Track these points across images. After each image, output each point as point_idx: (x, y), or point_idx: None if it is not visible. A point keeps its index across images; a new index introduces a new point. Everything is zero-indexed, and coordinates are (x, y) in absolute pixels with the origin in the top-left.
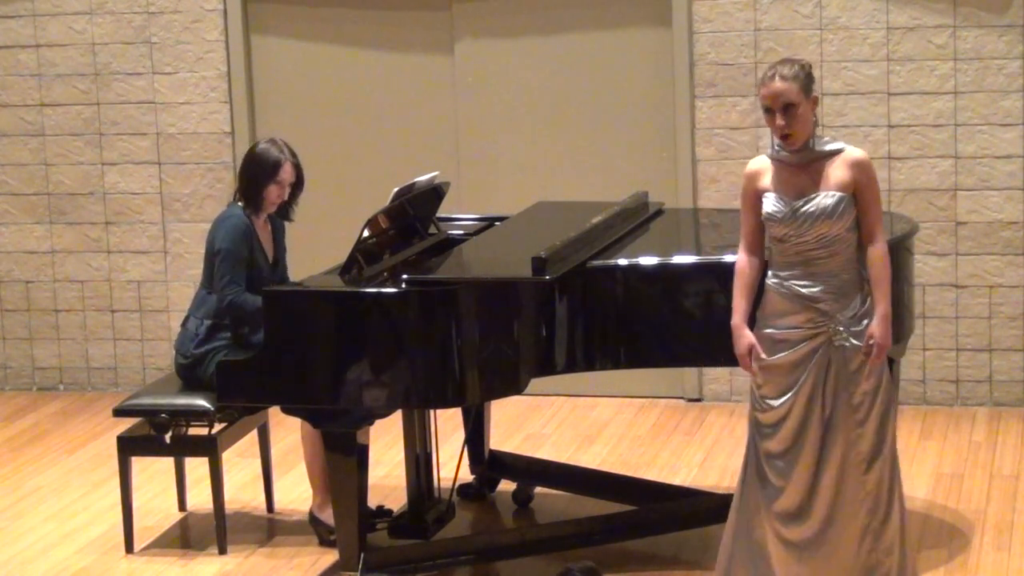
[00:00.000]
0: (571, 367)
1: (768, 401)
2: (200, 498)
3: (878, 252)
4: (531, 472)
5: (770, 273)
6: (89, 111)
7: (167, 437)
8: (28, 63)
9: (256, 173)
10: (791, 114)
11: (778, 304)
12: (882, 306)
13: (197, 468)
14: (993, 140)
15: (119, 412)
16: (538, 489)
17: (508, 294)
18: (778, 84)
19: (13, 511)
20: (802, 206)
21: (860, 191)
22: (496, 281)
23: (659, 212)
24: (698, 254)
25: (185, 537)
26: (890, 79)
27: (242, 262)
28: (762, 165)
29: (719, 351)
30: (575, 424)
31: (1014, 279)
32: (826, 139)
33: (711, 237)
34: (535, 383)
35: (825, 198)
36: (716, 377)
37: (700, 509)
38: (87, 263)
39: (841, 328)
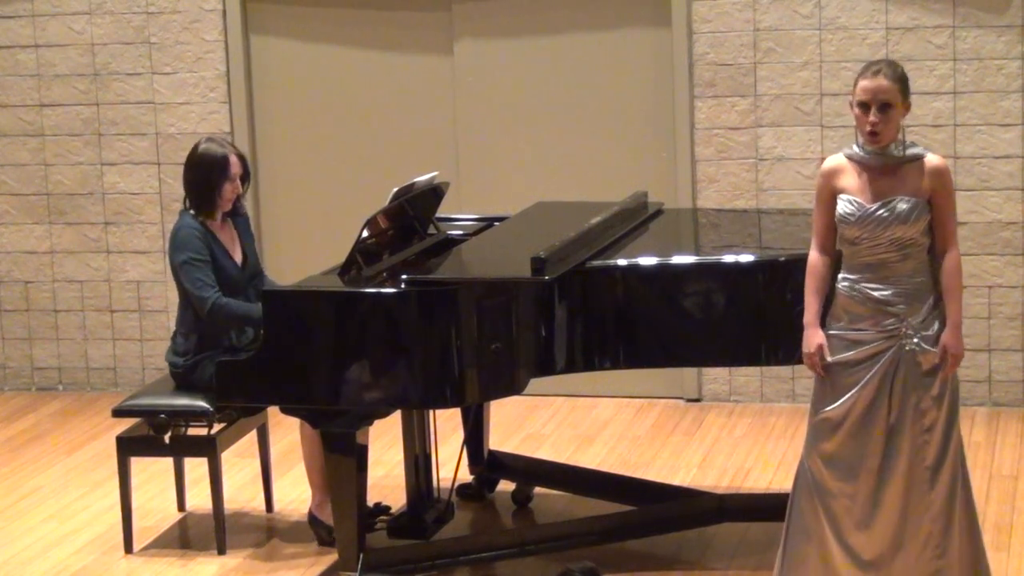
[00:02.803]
0: (570, 367)
1: (830, 399)
2: (199, 498)
3: (952, 261)
4: (530, 472)
5: (840, 276)
6: (88, 111)
7: (166, 437)
8: (28, 63)
9: (207, 174)
10: (886, 114)
11: (849, 307)
12: (955, 315)
13: (196, 468)
14: (992, 140)
15: (118, 412)
16: (537, 489)
17: (508, 294)
18: (883, 81)
19: (13, 511)
20: (877, 210)
21: (936, 198)
22: (496, 281)
23: (659, 212)
24: (697, 254)
25: (184, 537)
26: None
27: (207, 265)
28: (840, 163)
29: (718, 351)
30: (574, 424)
31: (1013, 279)
32: (909, 143)
33: (710, 237)
34: (535, 383)
35: (900, 203)
36: (715, 377)
37: (700, 509)
38: (86, 263)
39: (911, 332)
